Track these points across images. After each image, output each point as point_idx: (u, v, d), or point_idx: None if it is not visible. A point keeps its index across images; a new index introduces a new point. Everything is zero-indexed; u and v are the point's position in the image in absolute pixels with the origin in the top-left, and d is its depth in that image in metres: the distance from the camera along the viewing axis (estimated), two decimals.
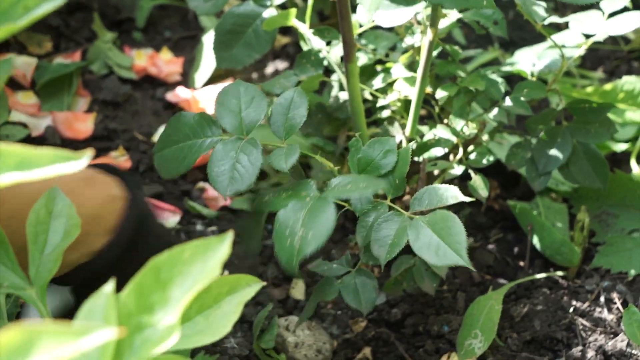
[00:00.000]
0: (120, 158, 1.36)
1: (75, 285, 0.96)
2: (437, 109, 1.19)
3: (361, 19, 1.12)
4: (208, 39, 1.51)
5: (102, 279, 0.94)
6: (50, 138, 1.37)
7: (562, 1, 0.92)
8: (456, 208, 0.90)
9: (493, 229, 1.29)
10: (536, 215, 1.23)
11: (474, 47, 1.59)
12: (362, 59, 1.20)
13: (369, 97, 1.21)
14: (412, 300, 1.16)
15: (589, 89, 1.37)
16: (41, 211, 0.78)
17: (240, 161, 0.93)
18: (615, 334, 1.12)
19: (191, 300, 0.58)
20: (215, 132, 0.97)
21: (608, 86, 1.36)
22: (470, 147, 1.15)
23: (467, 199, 0.91)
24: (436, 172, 1.16)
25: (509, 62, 1.35)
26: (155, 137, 1.41)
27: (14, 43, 1.52)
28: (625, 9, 1.12)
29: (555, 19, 1.16)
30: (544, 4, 1.07)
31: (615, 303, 1.16)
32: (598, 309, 1.16)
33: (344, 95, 1.21)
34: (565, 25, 1.24)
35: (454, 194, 0.91)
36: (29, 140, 1.36)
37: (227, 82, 1.21)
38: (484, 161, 1.13)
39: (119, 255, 0.95)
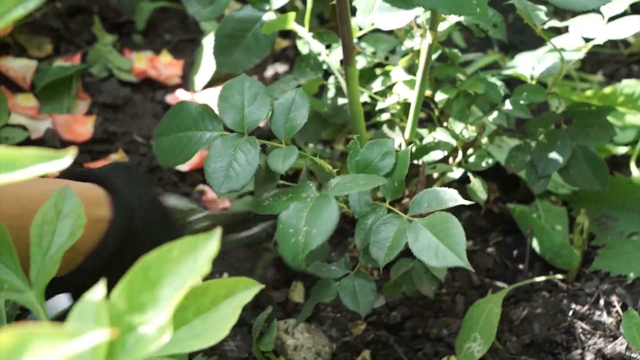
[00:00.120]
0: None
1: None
2: (436, 112, 1.19)
3: (361, 22, 1.12)
4: (208, 42, 1.50)
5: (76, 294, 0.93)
6: (49, 141, 1.36)
7: (561, 7, 0.92)
8: (455, 211, 0.90)
9: (492, 232, 1.29)
10: (536, 218, 1.23)
11: (474, 50, 1.59)
12: (362, 62, 1.20)
13: (368, 100, 1.21)
14: (411, 303, 1.16)
15: (589, 93, 1.37)
16: (49, 212, 0.76)
17: (237, 159, 0.92)
18: (615, 337, 1.12)
19: (188, 303, 0.58)
20: (216, 127, 0.96)
21: (608, 89, 1.36)
22: (470, 150, 1.15)
23: (467, 202, 0.90)
24: (435, 175, 1.16)
25: (509, 66, 1.35)
26: None
27: (14, 45, 1.52)
28: (625, 13, 1.12)
29: (555, 22, 1.16)
30: (543, 7, 1.07)
31: (614, 306, 1.16)
32: (597, 312, 1.16)
33: (341, 100, 1.21)
34: (565, 29, 1.24)
35: (453, 197, 0.91)
36: (28, 142, 1.36)
37: None
38: (484, 164, 1.13)
39: (89, 279, 0.89)
